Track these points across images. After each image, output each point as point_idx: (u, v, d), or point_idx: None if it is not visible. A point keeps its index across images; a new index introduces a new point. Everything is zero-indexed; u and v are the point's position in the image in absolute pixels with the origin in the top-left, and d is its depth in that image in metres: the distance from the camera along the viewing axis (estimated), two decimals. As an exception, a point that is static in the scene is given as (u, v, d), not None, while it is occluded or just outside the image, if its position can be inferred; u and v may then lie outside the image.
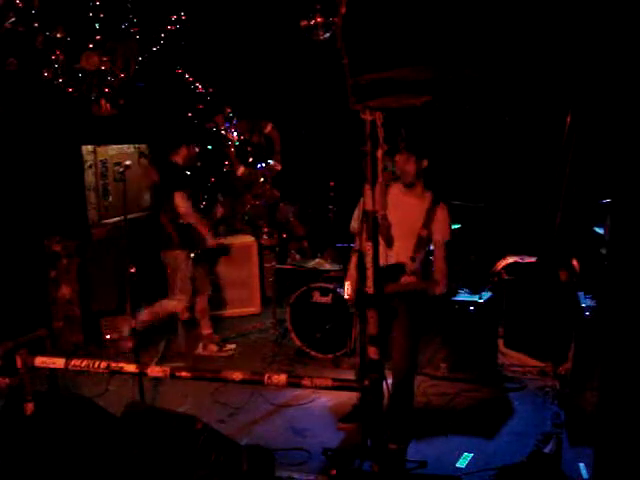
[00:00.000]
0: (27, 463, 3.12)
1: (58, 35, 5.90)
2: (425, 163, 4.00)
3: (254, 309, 6.93)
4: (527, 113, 6.74)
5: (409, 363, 4.05)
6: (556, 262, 5.27)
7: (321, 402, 4.73)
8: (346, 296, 4.28)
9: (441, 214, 3.99)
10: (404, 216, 3.97)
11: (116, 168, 6.21)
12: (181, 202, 5.26)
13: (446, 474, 3.72)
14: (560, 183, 4.07)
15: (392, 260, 3.89)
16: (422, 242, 3.97)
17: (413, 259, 3.95)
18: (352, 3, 2.45)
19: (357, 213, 4.15)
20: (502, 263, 6.04)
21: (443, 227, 3.99)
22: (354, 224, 4.23)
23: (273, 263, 6.60)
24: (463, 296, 5.12)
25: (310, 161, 7.73)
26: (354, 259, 4.18)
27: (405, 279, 3.93)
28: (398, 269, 3.92)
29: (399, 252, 3.98)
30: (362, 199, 3.09)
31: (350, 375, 4.74)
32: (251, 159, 7.59)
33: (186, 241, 5.42)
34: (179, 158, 5.44)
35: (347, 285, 4.27)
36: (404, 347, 3.98)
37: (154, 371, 3.27)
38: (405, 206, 4.01)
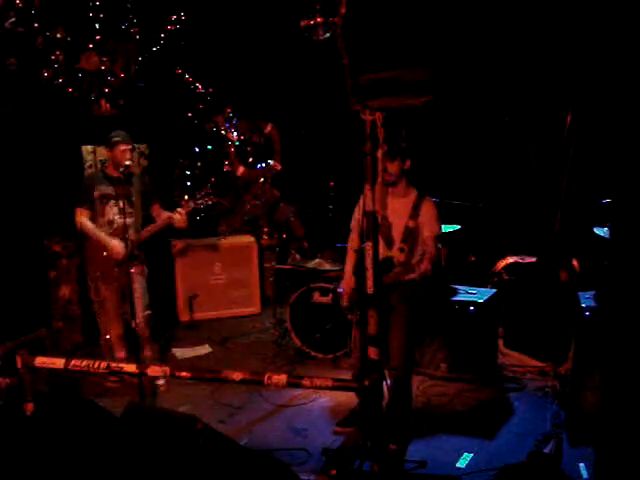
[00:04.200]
0: (27, 463, 3.12)
1: (58, 35, 5.90)
2: (408, 164, 4.03)
3: (254, 309, 6.93)
4: (527, 113, 6.74)
5: (406, 362, 4.06)
6: (556, 262, 5.28)
7: (321, 402, 4.73)
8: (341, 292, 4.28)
9: (426, 209, 4.02)
10: (390, 215, 4.02)
11: (116, 168, 6.20)
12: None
13: (446, 474, 3.72)
14: (560, 183, 4.08)
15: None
16: (409, 233, 3.98)
17: (402, 250, 3.97)
18: (352, 3, 2.45)
19: (357, 211, 4.15)
20: (502, 263, 6.05)
21: (430, 222, 4.02)
22: (354, 222, 4.23)
23: (273, 263, 6.60)
24: (463, 296, 5.11)
25: (310, 161, 7.73)
26: (350, 257, 4.19)
27: (394, 271, 3.95)
28: (387, 262, 3.93)
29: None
30: (361, 198, 3.08)
31: (350, 375, 4.73)
32: (251, 159, 7.59)
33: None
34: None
35: (342, 285, 4.28)
36: (401, 346, 3.99)
37: (154, 371, 3.27)
38: (389, 205, 4.05)
